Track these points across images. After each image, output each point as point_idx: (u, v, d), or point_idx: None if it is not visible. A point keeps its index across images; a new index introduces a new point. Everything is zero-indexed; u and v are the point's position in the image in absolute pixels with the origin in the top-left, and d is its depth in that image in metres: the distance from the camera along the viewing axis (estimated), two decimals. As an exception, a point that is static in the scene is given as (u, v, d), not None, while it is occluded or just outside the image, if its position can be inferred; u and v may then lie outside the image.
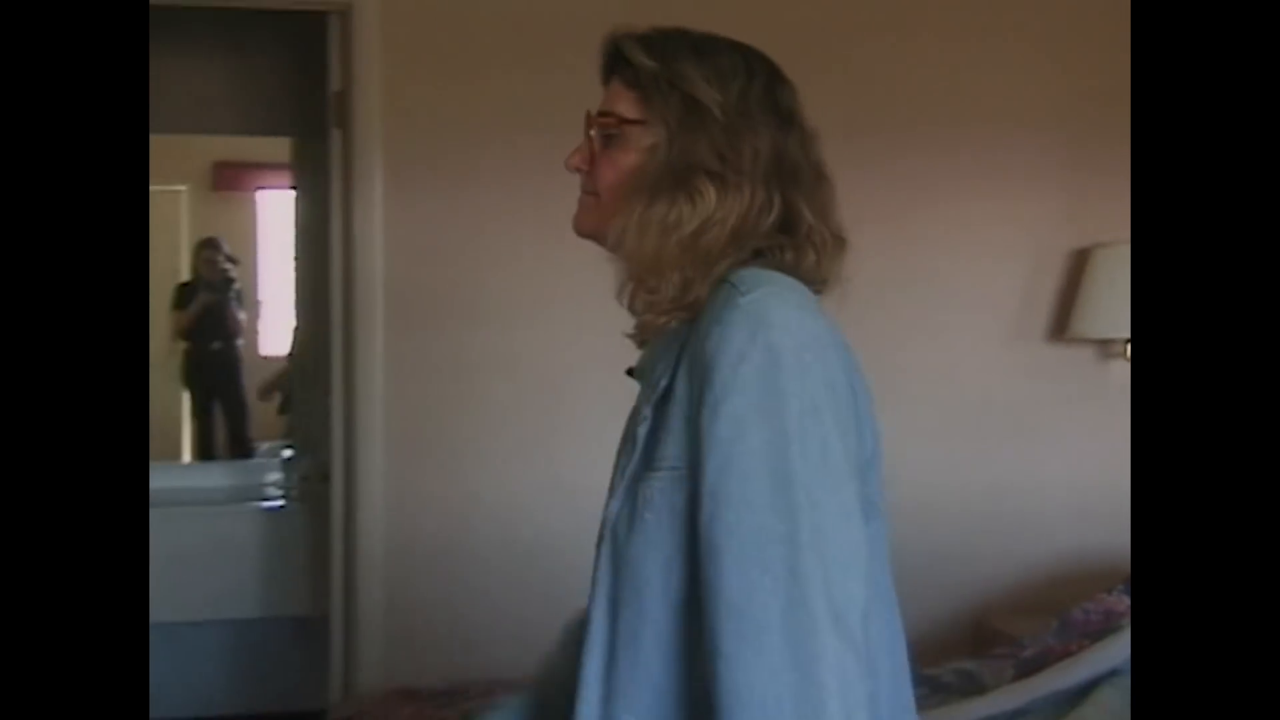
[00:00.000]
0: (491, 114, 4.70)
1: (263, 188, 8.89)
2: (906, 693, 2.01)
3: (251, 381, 8.43)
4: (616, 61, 2.01)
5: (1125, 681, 3.91)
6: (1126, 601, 4.22)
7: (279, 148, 7.54)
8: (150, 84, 6.64)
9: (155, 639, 6.32)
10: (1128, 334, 4.78)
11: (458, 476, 4.78)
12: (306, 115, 6.52)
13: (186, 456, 8.33)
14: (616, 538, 1.89)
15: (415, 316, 4.74)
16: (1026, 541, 5.09)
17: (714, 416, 1.76)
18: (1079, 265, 4.99)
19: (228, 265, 8.31)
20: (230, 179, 8.93)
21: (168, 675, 6.44)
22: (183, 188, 8.76)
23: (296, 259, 7.34)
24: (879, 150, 4.91)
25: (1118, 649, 3.95)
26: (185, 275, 8.41)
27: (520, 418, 4.80)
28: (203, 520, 6.81)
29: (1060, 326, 5.05)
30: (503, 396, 4.79)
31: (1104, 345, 5.04)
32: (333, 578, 5.25)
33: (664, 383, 1.90)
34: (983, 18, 5.01)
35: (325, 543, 5.59)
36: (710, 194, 1.91)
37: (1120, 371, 5.09)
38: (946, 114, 4.99)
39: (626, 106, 1.99)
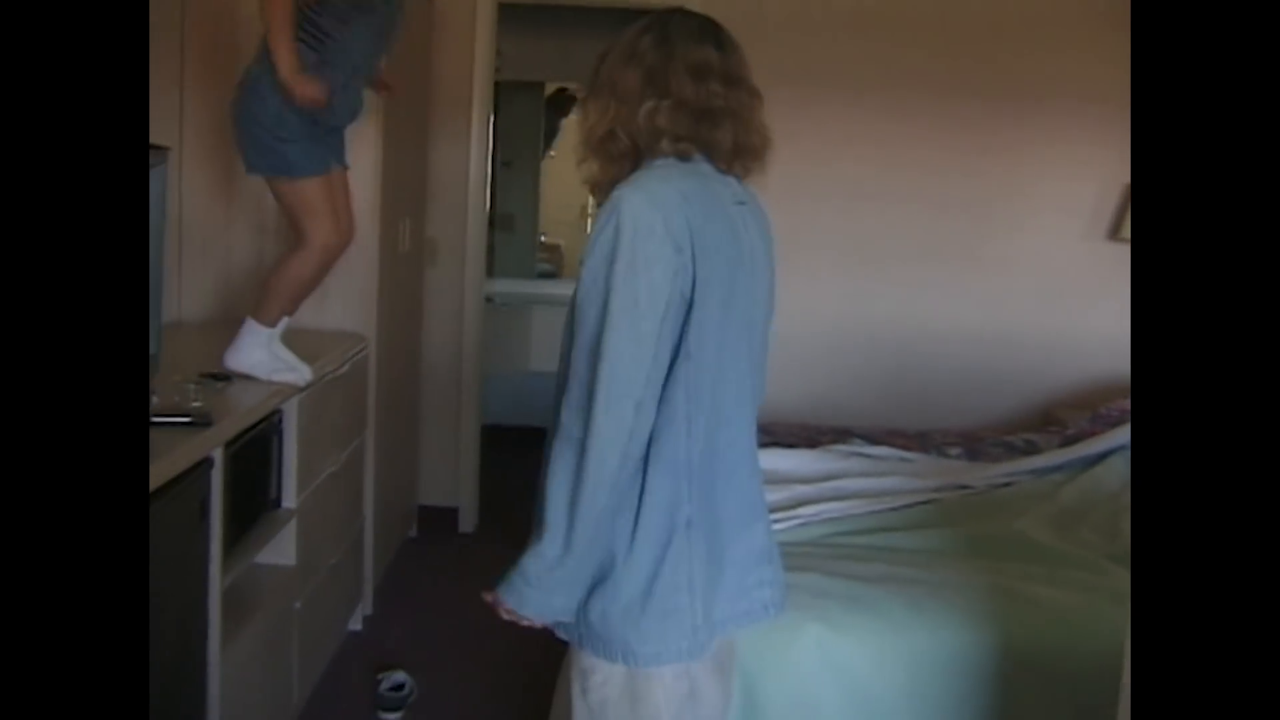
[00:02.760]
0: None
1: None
2: (724, 464, 1.95)
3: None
4: None
5: (1127, 453, 3.84)
6: (1138, 404, 4.14)
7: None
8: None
9: (544, 384, 6.49)
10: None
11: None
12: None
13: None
14: (571, 317, 1.89)
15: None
16: (1080, 364, 4.92)
17: (583, 266, 1.82)
18: (1130, 193, 4.76)
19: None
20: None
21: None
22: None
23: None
24: (1005, 114, 4.83)
25: (1125, 432, 3.84)
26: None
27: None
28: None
29: (1115, 230, 4.86)
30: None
31: (1145, 244, 4.82)
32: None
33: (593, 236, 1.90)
34: (1072, 24, 4.80)
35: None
36: (601, 117, 1.94)
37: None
38: (1053, 92, 4.80)
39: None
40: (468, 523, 5.02)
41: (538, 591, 1.86)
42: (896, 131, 4.83)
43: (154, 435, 2.28)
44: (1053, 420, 4.66)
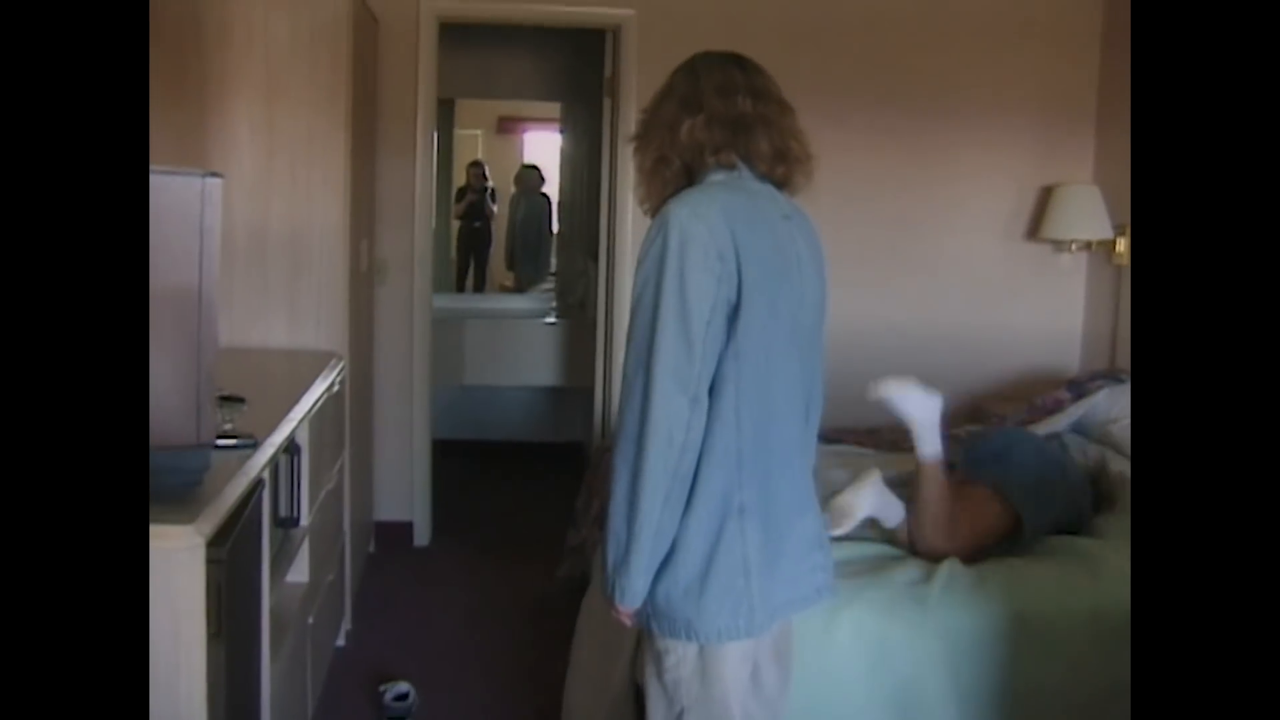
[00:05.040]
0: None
1: (526, 131, 9.03)
2: (777, 457, 2.09)
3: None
4: None
5: (1064, 439, 4.13)
6: (1068, 395, 4.41)
7: (543, 109, 7.75)
8: (472, 67, 6.72)
9: (479, 397, 6.62)
10: (1074, 237, 4.92)
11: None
12: (575, 88, 6.75)
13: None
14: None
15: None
16: (1003, 359, 5.18)
17: (637, 272, 2.00)
18: (1045, 195, 5.03)
19: (484, 177, 8.53)
20: (507, 127, 9.09)
21: (491, 417, 6.79)
22: (479, 131, 8.93)
23: (561, 175, 7.59)
24: (929, 122, 5.05)
25: (1061, 421, 4.17)
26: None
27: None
28: (513, 328, 7.00)
29: (1032, 231, 5.10)
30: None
31: (1058, 244, 5.08)
32: (597, 361, 5.52)
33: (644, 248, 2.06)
34: (992, 37, 5.07)
35: (583, 342, 5.87)
36: (648, 147, 2.16)
37: (1067, 260, 5.16)
38: (973, 101, 5.05)
39: None
40: (422, 537, 5.07)
41: (622, 578, 2.02)
42: (828, 139, 5.03)
43: (216, 456, 2.33)
44: (981, 412, 4.88)
